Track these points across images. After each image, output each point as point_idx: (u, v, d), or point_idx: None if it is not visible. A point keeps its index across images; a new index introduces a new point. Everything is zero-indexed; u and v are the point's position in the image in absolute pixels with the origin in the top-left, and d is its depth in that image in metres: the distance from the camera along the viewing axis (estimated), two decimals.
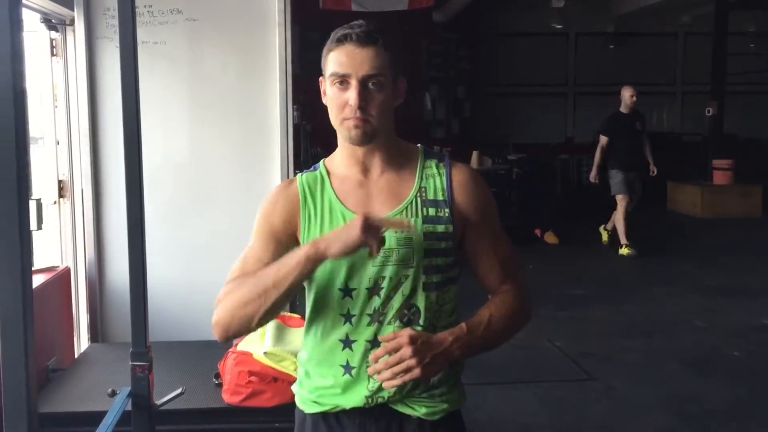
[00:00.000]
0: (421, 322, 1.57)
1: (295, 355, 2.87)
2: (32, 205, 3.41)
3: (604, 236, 8.93)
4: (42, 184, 3.75)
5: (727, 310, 6.01)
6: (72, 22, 3.60)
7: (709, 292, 6.56)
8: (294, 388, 1.76)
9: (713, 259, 8.03)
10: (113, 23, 3.39)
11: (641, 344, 5.12)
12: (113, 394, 2.42)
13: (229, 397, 2.86)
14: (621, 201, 8.36)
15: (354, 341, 1.58)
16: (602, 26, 13.12)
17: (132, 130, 2.32)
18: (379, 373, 1.49)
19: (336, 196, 1.62)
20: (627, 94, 8.62)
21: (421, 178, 1.63)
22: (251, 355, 2.88)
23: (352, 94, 1.53)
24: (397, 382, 1.49)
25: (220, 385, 2.95)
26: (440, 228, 1.59)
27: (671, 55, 14.12)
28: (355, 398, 1.58)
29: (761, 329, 5.53)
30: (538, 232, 9.14)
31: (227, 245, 3.74)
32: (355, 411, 1.60)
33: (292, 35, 3.69)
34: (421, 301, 1.58)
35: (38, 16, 3.55)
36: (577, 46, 13.90)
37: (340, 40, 1.57)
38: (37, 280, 3.34)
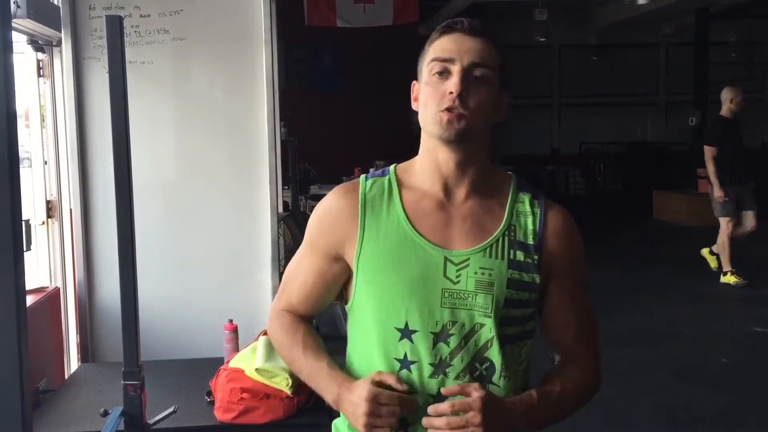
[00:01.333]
0: (494, 379, 1.35)
1: (287, 371, 2.87)
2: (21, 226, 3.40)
3: (712, 262, 7.65)
4: (30, 205, 3.75)
5: (715, 318, 6.06)
6: (59, 43, 3.62)
7: (697, 300, 6.60)
8: (337, 423, 1.49)
9: (699, 267, 8.08)
10: (101, 44, 3.41)
11: (631, 353, 5.14)
12: (105, 413, 2.42)
13: (221, 415, 2.85)
14: (727, 223, 7.23)
15: (414, 394, 1.32)
16: (585, 38, 13.26)
17: (122, 149, 2.34)
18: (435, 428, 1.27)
19: (405, 214, 1.37)
20: (733, 97, 7.24)
21: (512, 215, 1.39)
22: (243, 371, 2.87)
23: (453, 80, 1.32)
24: None
25: (212, 402, 2.94)
26: (526, 277, 1.37)
27: (654, 66, 14.30)
28: None
29: (749, 336, 5.58)
30: None
31: (217, 262, 3.76)
32: None
33: (278, 51, 3.73)
34: (496, 356, 1.34)
35: (25, 37, 3.56)
36: (560, 58, 14.04)
37: (448, 27, 1.37)
38: (27, 301, 3.32)
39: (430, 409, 1.28)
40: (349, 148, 9.33)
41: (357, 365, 1.41)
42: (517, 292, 1.36)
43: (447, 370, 1.32)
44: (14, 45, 3.55)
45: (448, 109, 1.32)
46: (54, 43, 3.69)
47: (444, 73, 1.34)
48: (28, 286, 3.52)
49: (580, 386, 1.44)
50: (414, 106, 1.42)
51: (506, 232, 1.37)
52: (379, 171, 1.45)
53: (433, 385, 1.32)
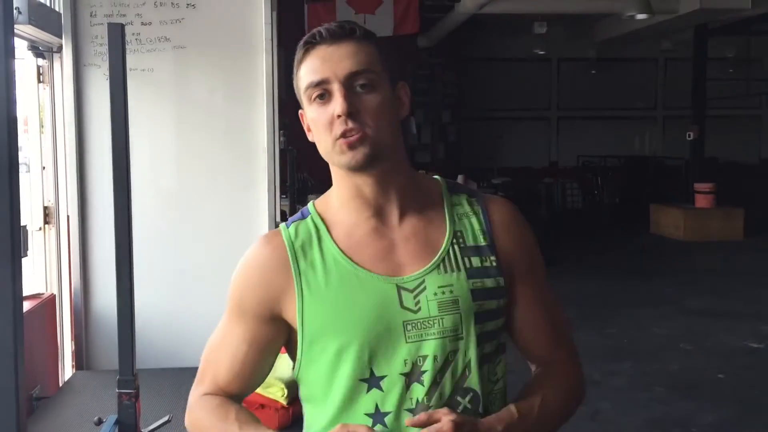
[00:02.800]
0: (480, 410, 1.18)
1: (283, 381, 2.87)
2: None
3: None
4: (28, 211, 3.74)
5: (711, 333, 6.05)
6: (59, 50, 3.62)
7: (693, 315, 6.60)
8: None
9: (696, 282, 8.09)
10: (101, 51, 3.41)
11: (627, 367, 5.14)
12: (99, 422, 2.40)
13: None
14: None
15: None
16: (584, 52, 13.32)
17: (121, 156, 2.34)
18: None
19: (342, 252, 1.20)
20: None
21: (453, 220, 1.24)
22: None
23: (337, 101, 1.15)
24: None
25: None
26: (489, 282, 1.21)
27: (652, 80, 14.37)
28: None
29: (745, 351, 5.58)
30: None
31: (214, 271, 3.75)
32: None
33: (278, 60, 3.73)
34: (476, 382, 1.18)
35: (26, 43, 3.56)
36: (559, 71, 14.10)
37: (309, 45, 1.19)
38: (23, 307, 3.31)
39: (341, 425, 1.11)
40: None
41: (317, 416, 1.23)
42: (484, 302, 1.19)
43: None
44: (15, 51, 3.55)
45: (344, 135, 1.15)
46: (54, 50, 3.69)
47: (324, 95, 1.17)
48: (24, 293, 3.51)
49: (565, 397, 1.27)
50: (309, 137, 1.23)
51: (454, 241, 1.21)
52: (297, 214, 1.28)
53: None
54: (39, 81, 3.75)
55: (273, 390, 2.85)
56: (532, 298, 1.26)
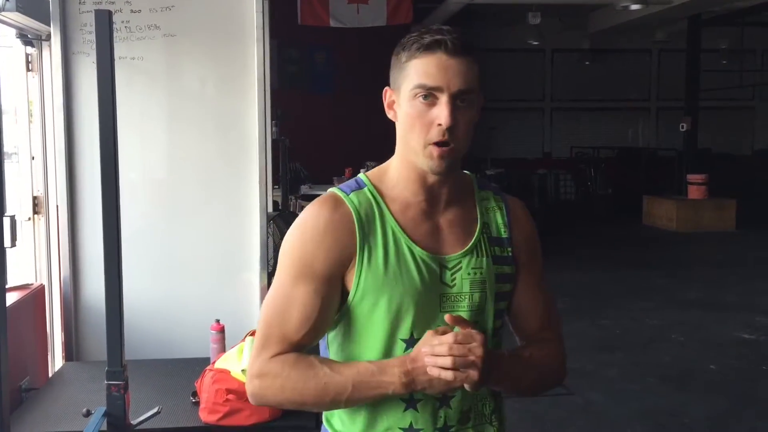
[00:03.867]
0: None
1: None
2: (6, 222, 3.35)
3: None
4: (16, 201, 3.70)
5: (703, 324, 6.07)
6: (48, 38, 3.57)
7: (685, 306, 6.62)
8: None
9: (689, 273, 8.11)
10: (90, 38, 3.36)
11: (619, 358, 5.14)
12: (88, 414, 2.38)
13: (206, 416, 2.82)
14: None
15: (419, 400, 1.33)
16: (578, 43, 13.30)
17: (109, 145, 2.30)
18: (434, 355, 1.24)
19: (400, 227, 1.34)
20: None
21: (482, 212, 1.41)
22: (229, 372, 2.84)
23: (443, 113, 1.27)
24: (449, 375, 1.22)
25: (197, 403, 2.90)
26: (507, 269, 1.40)
27: (646, 72, 14.37)
28: None
29: (737, 342, 5.59)
30: None
31: (204, 261, 3.72)
32: None
33: (270, 50, 3.70)
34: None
35: (14, 31, 3.52)
36: (553, 62, 14.08)
37: (431, 47, 1.28)
38: (11, 298, 3.28)
39: (432, 332, 1.27)
40: (340, 148, 9.30)
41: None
42: (502, 285, 1.40)
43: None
44: (2, 38, 3.51)
45: (438, 144, 1.29)
46: (43, 37, 3.64)
47: (429, 97, 1.29)
48: (13, 283, 3.48)
49: (548, 363, 1.41)
50: (390, 115, 1.37)
51: (483, 231, 1.40)
52: (351, 182, 1.40)
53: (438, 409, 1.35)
54: (28, 69, 3.71)
55: None
56: (531, 284, 1.44)
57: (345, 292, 1.34)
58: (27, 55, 3.67)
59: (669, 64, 13.82)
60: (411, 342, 1.31)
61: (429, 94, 1.28)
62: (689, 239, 10.36)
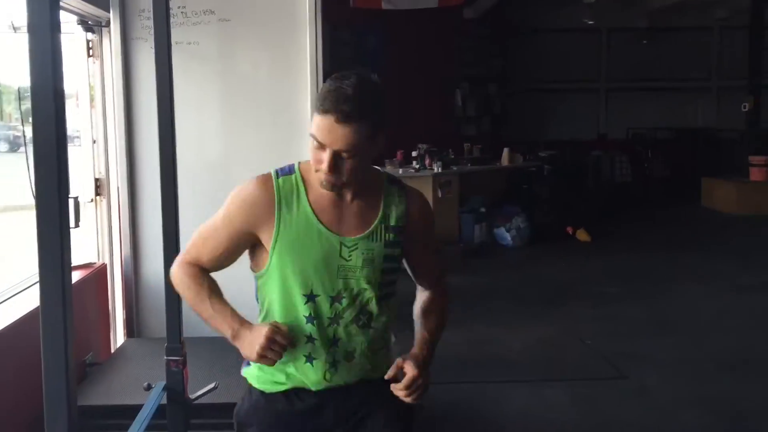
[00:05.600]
0: (373, 324, 1.82)
1: None
2: (70, 203, 3.48)
3: None
4: (79, 183, 3.83)
5: (762, 309, 5.91)
6: (108, 24, 3.67)
7: (745, 291, 6.46)
8: (249, 371, 1.91)
9: (748, 257, 7.89)
10: (148, 24, 3.45)
11: (675, 342, 5.06)
12: (149, 387, 2.48)
13: None
14: None
15: (316, 339, 1.78)
16: (635, 21, 12.95)
17: (166, 129, 2.37)
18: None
19: (312, 210, 1.75)
20: None
21: (386, 206, 1.82)
22: None
23: (325, 162, 1.65)
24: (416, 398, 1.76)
25: None
26: (396, 251, 1.82)
27: (706, 50, 13.90)
28: (316, 380, 1.80)
29: None
30: (569, 229, 9.07)
31: None
32: (311, 390, 1.82)
33: (323, 34, 3.72)
34: (374, 308, 1.81)
35: (75, 17, 3.62)
36: (609, 41, 13.75)
37: (326, 110, 1.62)
38: (75, 277, 3.41)
39: (393, 387, 1.74)
40: (391, 131, 9.29)
41: (273, 316, 1.79)
42: (389, 264, 1.81)
43: (339, 320, 1.78)
44: (64, 25, 3.61)
45: (324, 178, 1.69)
46: (103, 24, 3.74)
47: (319, 146, 1.65)
48: (76, 262, 3.61)
49: (444, 315, 1.95)
50: (309, 131, 1.68)
51: (382, 221, 1.80)
52: (287, 167, 1.79)
53: (330, 332, 1.78)
54: (89, 55, 3.82)
55: None
56: (427, 254, 1.93)
57: (263, 251, 1.77)
58: (88, 41, 3.77)
59: (731, 43, 13.37)
60: (310, 297, 1.75)
61: (319, 145, 1.64)
62: (750, 222, 10.07)
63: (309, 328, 1.76)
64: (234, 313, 1.76)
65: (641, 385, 4.31)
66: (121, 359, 3.33)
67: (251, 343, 1.69)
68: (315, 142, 1.65)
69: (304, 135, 3.70)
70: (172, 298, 2.46)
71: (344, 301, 1.77)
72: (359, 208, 1.79)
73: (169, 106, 2.38)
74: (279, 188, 1.74)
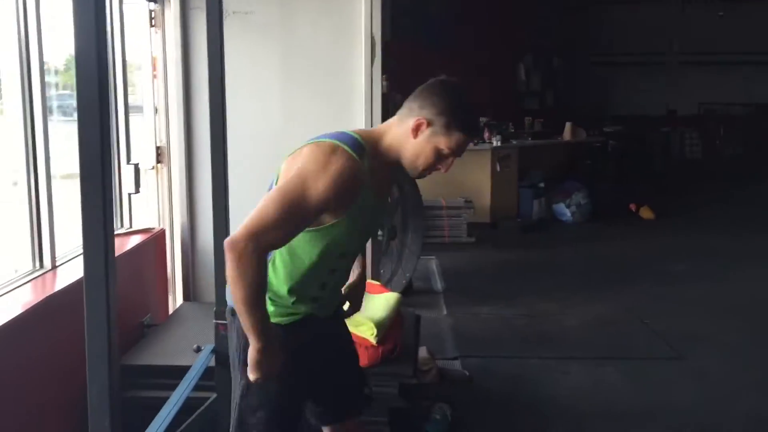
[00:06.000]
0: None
1: (373, 321, 2.92)
2: (131, 170, 3.59)
3: None
4: (141, 151, 3.93)
5: None
6: None
7: None
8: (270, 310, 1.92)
9: None
10: None
11: (739, 325, 4.90)
12: (198, 350, 2.54)
13: None
14: None
15: (328, 285, 1.97)
16: None
17: (217, 97, 2.40)
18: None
19: (372, 186, 1.85)
20: None
21: (395, 179, 2.11)
22: None
23: (449, 165, 1.90)
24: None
25: None
26: None
27: None
28: (324, 314, 2.02)
29: None
30: (632, 206, 8.86)
31: None
32: (320, 317, 2.01)
33: (382, 1, 3.70)
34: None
35: None
36: (683, 12, 13.24)
37: (472, 135, 1.90)
38: (134, 241, 3.52)
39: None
40: None
41: (304, 274, 1.90)
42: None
43: (346, 270, 2.06)
44: None
45: (429, 171, 1.91)
46: None
47: (447, 155, 1.86)
48: (137, 227, 3.72)
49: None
50: (413, 135, 1.84)
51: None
52: (354, 142, 1.81)
53: (338, 278, 2.02)
54: (151, 25, 3.89)
55: (363, 329, 2.92)
56: None
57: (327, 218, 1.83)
58: (150, 12, 3.84)
59: None
60: (344, 255, 1.94)
61: (450, 153, 1.86)
62: None
63: (327, 277, 1.94)
64: (271, 324, 1.82)
65: (699, 366, 4.20)
66: (176, 322, 3.43)
67: (268, 365, 1.81)
68: (441, 150, 1.84)
69: (358, 100, 3.71)
70: (222, 261, 2.50)
71: (356, 255, 2.06)
72: (388, 183, 1.99)
73: (219, 73, 2.41)
74: (365, 176, 1.80)
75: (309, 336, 1.97)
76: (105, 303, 1.33)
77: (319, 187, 1.73)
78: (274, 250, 1.84)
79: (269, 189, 1.86)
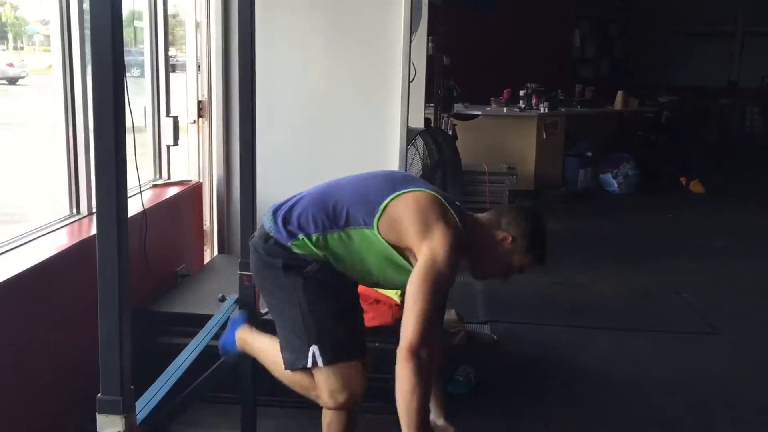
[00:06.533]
0: None
1: None
2: (170, 122, 3.67)
3: None
4: (183, 104, 4.01)
5: None
6: None
7: None
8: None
9: None
10: None
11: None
12: (223, 299, 2.62)
13: None
14: None
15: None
16: None
17: (246, 49, 2.43)
18: None
19: None
20: None
21: None
22: None
23: (507, 277, 2.18)
24: None
25: None
26: None
27: None
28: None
29: None
30: (683, 180, 8.66)
31: (346, 170, 3.87)
32: None
33: None
34: None
35: None
36: None
37: (541, 262, 2.17)
38: (171, 192, 3.62)
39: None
40: (497, 69, 9.07)
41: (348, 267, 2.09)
42: None
43: None
44: None
45: (490, 277, 2.22)
46: None
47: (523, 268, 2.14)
48: (175, 178, 3.81)
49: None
50: (496, 245, 2.09)
51: None
52: (458, 225, 2.00)
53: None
54: None
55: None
56: None
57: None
58: None
59: None
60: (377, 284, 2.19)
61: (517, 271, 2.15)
62: None
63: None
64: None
65: (734, 342, 4.14)
66: (210, 272, 3.53)
67: None
68: (514, 267, 2.13)
69: (396, 66, 3.71)
70: (247, 215, 2.57)
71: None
72: None
73: (249, 26, 2.44)
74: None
75: (335, 276, 2.09)
76: (116, 250, 1.39)
77: (451, 268, 1.92)
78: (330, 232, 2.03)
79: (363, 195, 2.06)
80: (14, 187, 3.99)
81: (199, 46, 4.03)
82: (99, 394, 1.49)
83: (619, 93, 9.03)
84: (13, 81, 4.93)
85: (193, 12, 4.01)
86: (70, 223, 2.79)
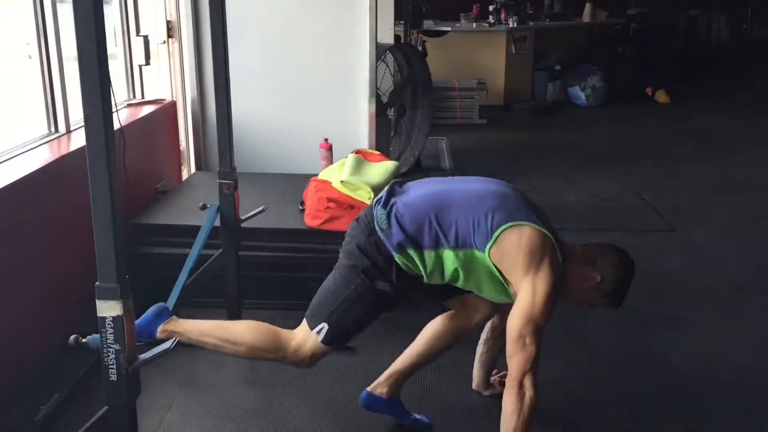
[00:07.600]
0: None
1: (370, 185, 3.11)
2: (140, 42, 3.72)
3: None
4: (152, 24, 4.02)
5: None
6: None
7: None
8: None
9: None
10: None
11: (734, 201, 5.02)
12: (204, 207, 2.76)
13: (309, 221, 3.16)
14: None
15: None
16: None
17: None
18: None
19: None
20: None
21: None
22: (330, 183, 3.14)
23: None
24: None
25: (303, 210, 3.25)
26: None
27: None
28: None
29: None
30: (649, 90, 8.81)
31: (318, 86, 3.99)
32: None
33: None
34: None
35: None
36: None
37: (615, 306, 2.24)
38: (146, 110, 3.70)
39: None
40: None
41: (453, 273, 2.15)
42: None
43: None
44: None
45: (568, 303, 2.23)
46: None
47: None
48: (149, 97, 3.89)
49: None
50: (590, 282, 2.15)
51: None
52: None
53: None
54: None
55: (361, 193, 3.11)
56: None
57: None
58: None
59: None
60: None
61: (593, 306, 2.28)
62: None
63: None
64: None
65: (690, 237, 4.37)
66: (188, 188, 3.65)
67: None
68: (594, 303, 2.22)
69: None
70: (224, 127, 2.69)
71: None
72: None
73: None
74: None
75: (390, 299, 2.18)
76: (108, 181, 1.49)
77: (550, 309, 2.02)
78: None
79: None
80: None
81: None
82: (97, 282, 1.61)
83: (587, 5, 9.06)
84: None
85: None
86: (48, 141, 2.88)
